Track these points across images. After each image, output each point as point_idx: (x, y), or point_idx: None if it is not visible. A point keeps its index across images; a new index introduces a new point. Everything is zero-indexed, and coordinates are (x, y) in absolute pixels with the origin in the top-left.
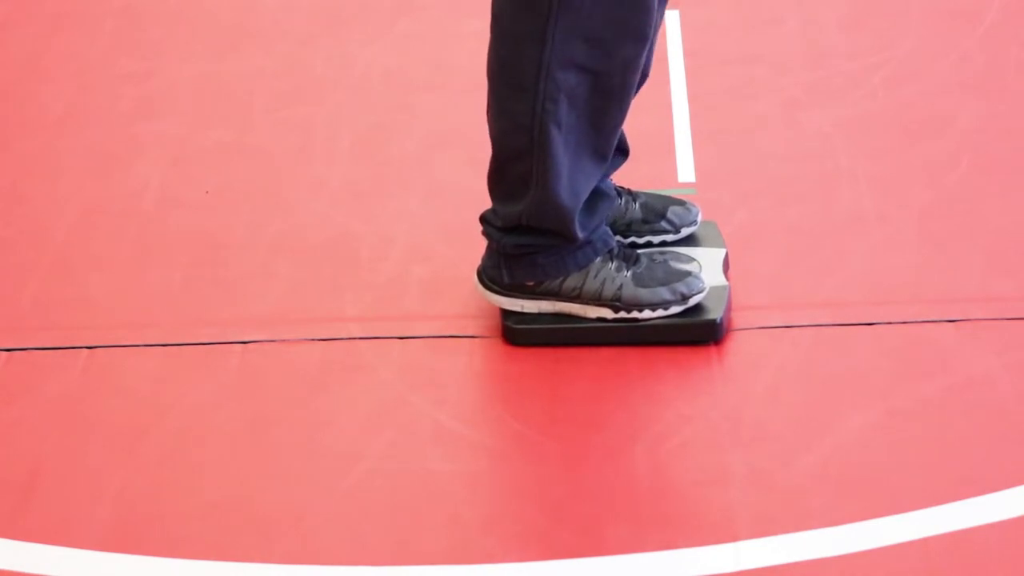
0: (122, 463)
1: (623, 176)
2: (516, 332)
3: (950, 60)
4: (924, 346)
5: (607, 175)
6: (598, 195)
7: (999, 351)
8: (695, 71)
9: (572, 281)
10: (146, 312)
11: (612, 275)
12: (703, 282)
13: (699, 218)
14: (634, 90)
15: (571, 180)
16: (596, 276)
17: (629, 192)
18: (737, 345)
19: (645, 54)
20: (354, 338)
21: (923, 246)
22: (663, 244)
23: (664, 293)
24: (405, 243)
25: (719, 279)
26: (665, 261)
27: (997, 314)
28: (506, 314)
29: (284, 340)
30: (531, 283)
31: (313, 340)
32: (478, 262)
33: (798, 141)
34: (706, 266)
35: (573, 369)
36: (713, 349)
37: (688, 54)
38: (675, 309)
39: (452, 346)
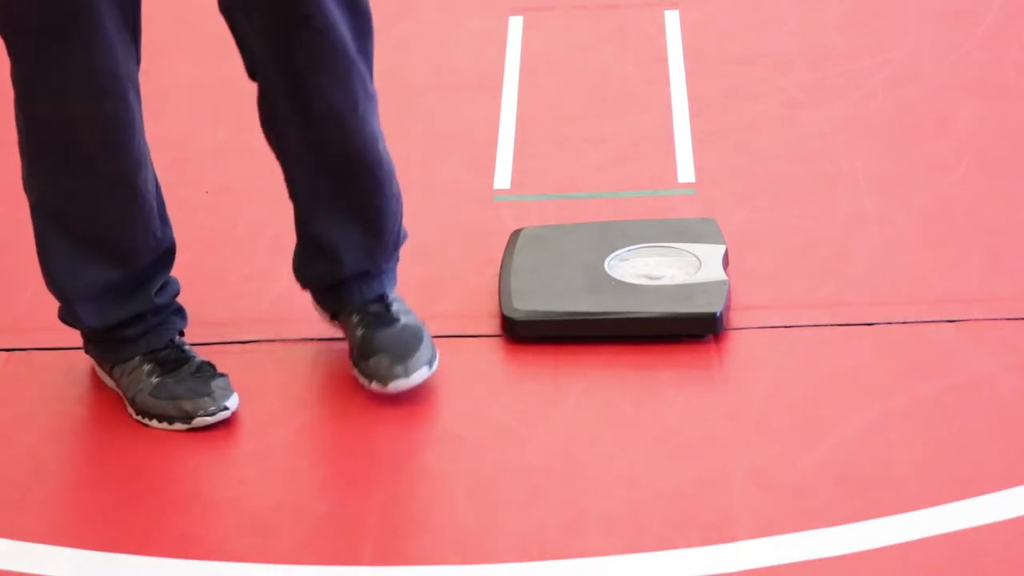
0: (121, 463)
1: (623, 176)
2: (515, 324)
3: (950, 60)
4: (924, 346)
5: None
6: (124, 292)
7: (999, 351)
8: (695, 71)
9: (117, 371)
10: None
11: (141, 377)
12: (222, 406)
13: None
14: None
15: (66, 265)
16: (130, 374)
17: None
18: (737, 345)
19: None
20: None
21: (923, 246)
22: None
23: (168, 408)
24: (405, 243)
25: (719, 274)
26: (203, 377)
27: (997, 314)
28: (506, 306)
29: (284, 340)
30: (101, 361)
31: (313, 340)
32: (478, 262)
33: (798, 141)
34: (706, 262)
35: (573, 369)
36: (713, 349)
37: (688, 54)
38: (179, 426)
39: (452, 346)
